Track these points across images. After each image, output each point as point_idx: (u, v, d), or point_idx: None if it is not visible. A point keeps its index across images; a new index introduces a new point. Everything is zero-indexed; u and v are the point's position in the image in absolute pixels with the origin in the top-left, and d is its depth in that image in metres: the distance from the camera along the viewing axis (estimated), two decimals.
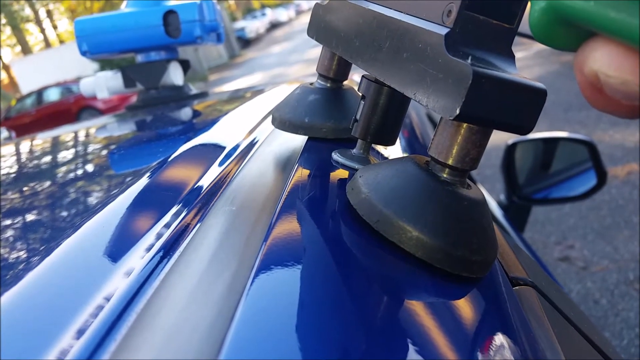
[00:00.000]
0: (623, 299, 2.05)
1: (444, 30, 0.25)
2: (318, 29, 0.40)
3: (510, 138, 1.37)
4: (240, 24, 27.49)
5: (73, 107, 11.93)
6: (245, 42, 25.95)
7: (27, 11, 27.56)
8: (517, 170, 1.38)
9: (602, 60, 0.18)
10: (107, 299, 0.24)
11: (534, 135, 1.40)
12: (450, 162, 0.27)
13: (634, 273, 2.17)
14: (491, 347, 0.24)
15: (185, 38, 0.88)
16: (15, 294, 0.25)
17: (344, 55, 0.36)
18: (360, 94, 0.36)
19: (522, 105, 0.25)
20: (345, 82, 0.43)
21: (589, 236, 2.51)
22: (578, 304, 2.03)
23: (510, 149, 1.36)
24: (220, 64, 21.17)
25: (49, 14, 29.92)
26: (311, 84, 0.43)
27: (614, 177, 2.93)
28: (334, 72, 0.42)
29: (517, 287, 0.33)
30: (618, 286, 2.12)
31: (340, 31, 0.36)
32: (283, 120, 0.42)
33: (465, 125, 0.26)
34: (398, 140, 0.53)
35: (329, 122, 0.41)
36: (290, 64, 13.49)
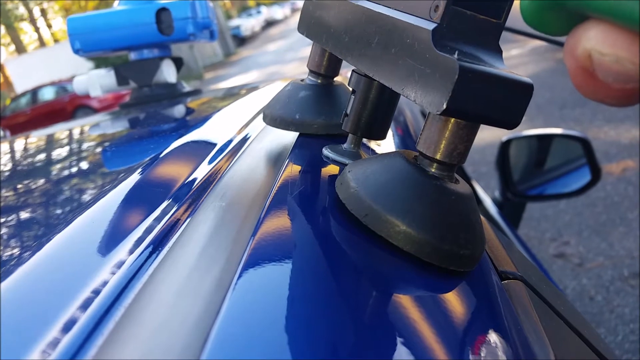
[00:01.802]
0: (618, 295, 2.06)
1: (431, 26, 0.25)
2: (308, 25, 0.40)
3: (505, 135, 1.37)
4: (235, 22, 27.49)
5: (68, 106, 11.89)
6: (241, 40, 25.95)
7: (21, 10, 27.46)
8: (512, 167, 1.39)
9: (596, 38, 0.18)
10: (96, 294, 0.24)
11: (529, 132, 1.41)
12: (438, 156, 0.27)
13: (629, 269, 2.18)
14: (479, 340, 0.24)
15: (178, 35, 0.87)
16: (3, 289, 0.25)
17: (333, 51, 0.36)
18: (351, 89, 0.36)
19: (508, 99, 0.25)
20: (336, 78, 0.43)
21: (584, 233, 2.52)
22: (573, 300, 2.04)
23: (505, 146, 1.36)
24: (216, 62, 21.15)
25: (43, 12, 29.82)
26: (302, 80, 0.43)
27: (609, 174, 2.94)
28: (325, 68, 0.42)
29: (506, 281, 0.33)
30: (613, 282, 2.13)
31: (330, 27, 0.36)
32: (274, 117, 0.42)
33: (452, 120, 0.26)
34: (391, 137, 0.53)
35: (320, 118, 0.41)
36: (286, 62, 13.49)
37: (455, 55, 0.24)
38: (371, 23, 0.30)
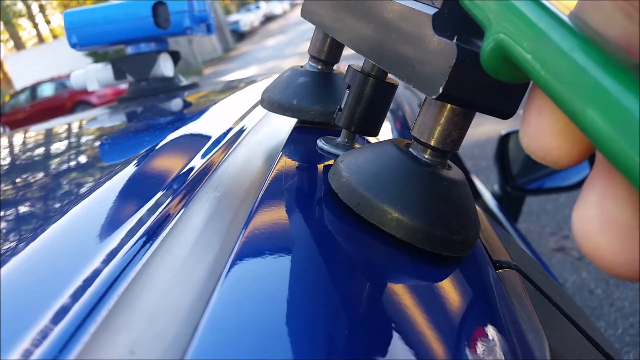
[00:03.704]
0: (618, 289, 2.06)
1: (432, 11, 0.25)
2: (311, 10, 0.40)
3: (504, 129, 1.37)
4: (234, 17, 27.42)
5: (67, 103, 11.89)
6: (240, 36, 25.90)
7: (20, 6, 27.39)
8: (511, 161, 1.38)
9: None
10: (89, 282, 0.24)
11: None
12: (432, 142, 0.27)
13: None
14: (472, 327, 0.24)
15: (174, 29, 0.87)
16: None
17: (334, 35, 0.36)
18: (346, 84, 0.36)
19: (505, 88, 0.25)
20: (335, 68, 0.43)
21: None
22: (573, 294, 2.04)
23: (504, 140, 1.36)
24: (215, 58, 21.12)
25: (42, 8, 29.75)
26: (301, 66, 0.43)
27: None
28: (326, 54, 0.42)
29: (500, 270, 0.33)
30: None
31: (332, 12, 0.36)
32: (272, 101, 0.42)
33: (448, 106, 0.26)
34: (390, 131, 0.53)
35: (317, 106, 0.41)
36: (285, 57, 13.46)
37: (454, 40, 0.24)
38: (372, 8, 0.30)
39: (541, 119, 0.17)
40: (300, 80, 0.42)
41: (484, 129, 3.76)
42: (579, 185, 1.32)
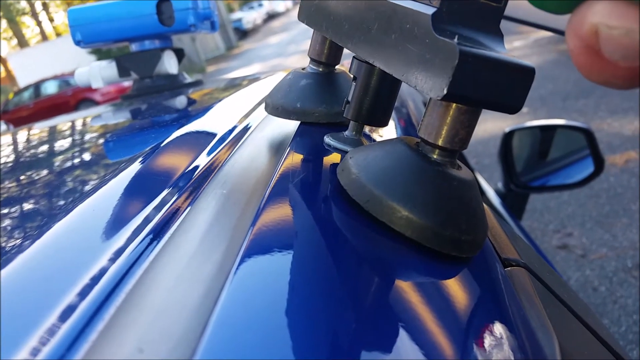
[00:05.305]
0: (621, 286, 2.06)
1: (430, 10, 0.25)
2: (308, 13, 0.39)
3: (507, 127, 1.37)
4: (237, 14, 27.43)
5: (71, 100, 11.92)
6: (243, 33, 25.91)
7: (23, 4, 27.42)
8: (515, 158, 1.38)
9: (603, 11, 0.17)
10: (97, 280, 0.23)
11: (532, 123, 1.40)
12: (439, 142, 0.27)
13: (632, 260, 2.18)
14: (482, 326, 0.24)
15: (178, 26, 0.87)
16: (4, 275, 0.25)
17: (334, 38, 0.36)
18: (352, 76, 0.35)
19: (510, 84, 0.24)
20: (337, 67, 0.43)
21: (587, 224, 2.52)
22: (577, 291, 2.03)
23: (508, 137, 1.35)
24: (218, 56, 21.13)
25: (45, 6, 29.78)
26: (303, 69, 0.43)
27: (612, 165, 2.93)
28: (326, 56, 0.41)
29: (509, 268, 0.32)
30: (616, 274, 2.13)
31: (330, 14, 0.36)
32: (275, 105, 0.42)
33: (453, 105, 0.26)
34: (394, 128, 0.53)
35: (321, 107, 0.41)
36: (287, 55, 13.47)
37: (455, 40, 0.23)
38: (371, 9, 0.30)
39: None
40: (303, 82, 0.42)
41: (487, 126, 3.75)
42: (583, 183, 1.31)
